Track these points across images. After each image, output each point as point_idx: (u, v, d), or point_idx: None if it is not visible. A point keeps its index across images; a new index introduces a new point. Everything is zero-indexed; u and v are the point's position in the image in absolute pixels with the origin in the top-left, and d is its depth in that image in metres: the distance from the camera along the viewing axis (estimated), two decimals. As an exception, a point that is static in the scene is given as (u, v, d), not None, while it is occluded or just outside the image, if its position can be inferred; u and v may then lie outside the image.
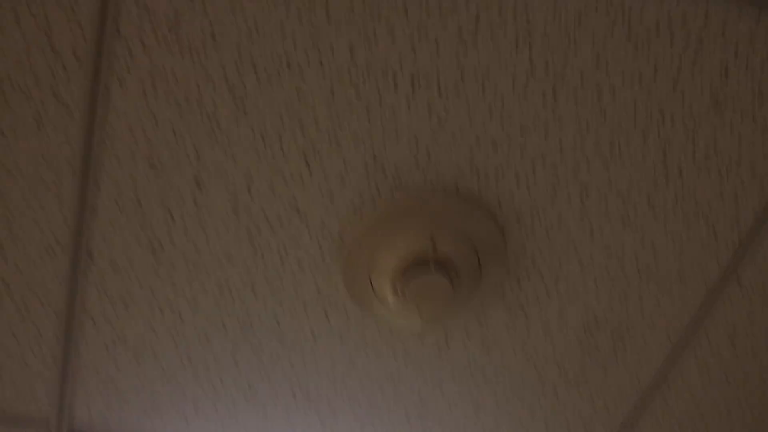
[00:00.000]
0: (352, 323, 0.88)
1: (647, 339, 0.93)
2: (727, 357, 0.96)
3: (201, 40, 0.67)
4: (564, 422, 1.02)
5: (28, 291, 0.84)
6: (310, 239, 0.80)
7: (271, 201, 0.77)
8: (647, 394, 1.00)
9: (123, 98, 0.71)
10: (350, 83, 0.70)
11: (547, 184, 0.78)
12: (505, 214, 0.79)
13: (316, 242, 0.81)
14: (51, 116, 0.72)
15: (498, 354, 0.93)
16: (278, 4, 0.66)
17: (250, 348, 0.90)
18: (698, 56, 0.70)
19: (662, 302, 0.89)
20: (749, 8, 0.66)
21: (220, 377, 0.93)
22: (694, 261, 0.85)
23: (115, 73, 0.69)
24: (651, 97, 0.72)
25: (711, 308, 0.90)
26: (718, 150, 0.76)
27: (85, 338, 0.88)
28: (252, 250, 0.81)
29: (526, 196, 0.78)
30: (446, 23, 0.67)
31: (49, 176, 0.76)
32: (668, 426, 1.05)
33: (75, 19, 0.66)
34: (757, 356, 0.96)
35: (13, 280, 0.83)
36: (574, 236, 0.82)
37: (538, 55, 0.69)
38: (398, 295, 0.80)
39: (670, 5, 0.66)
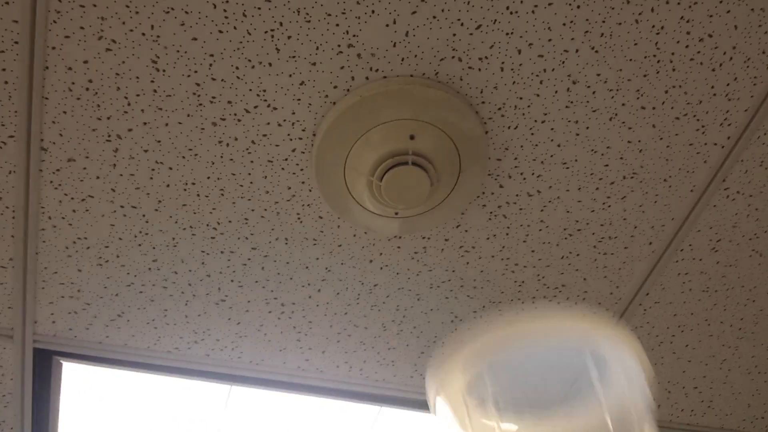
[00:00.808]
0: (326, 226, 0.84)
1: (629, 245, 0.90)
2: (708, 265, 0.94)
3: None
4: (542, 333, 1.01)
5: (-21, 186, 0.79)
6: (279, 131, 0.76)
7: (235, 86, 0.72)
8: (626, 305, 0.98)
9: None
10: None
11: (532, 74, 0.73)
12: (487, 106, 0.75)
13: (286, 134, 0.76)
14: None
15: (476, 262, 0.90)
16: None
17: (219, 252, 0.86)
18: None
19: (646, 207, 0.86)
20: None
21: (188, 282, 0.89)
22: (681, 161, 0.82)
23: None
24: (646, -25, 0.67)
25: (695, 213, 0.88)
26: (714, 36, 0.71)
27: (44, 239, 0.84)
28: (217, 143, 0.76)
29: (511, 86, 0.74)
30: None
31: (-6, 57, 0.70)
32: (647, 339, 1.04)
33: None
34: (738, 265, 0.94)
35: (-39, 175, 0.78)
36: (558, 133, 0.78)
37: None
38: (374, 193, 0.76)
39: None
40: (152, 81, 0.71)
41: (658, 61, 0.73)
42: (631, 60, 0.72)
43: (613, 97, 0.75)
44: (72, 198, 0.80)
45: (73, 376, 1.00)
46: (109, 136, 0.75)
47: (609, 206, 0.86)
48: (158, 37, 0.68)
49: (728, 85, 0.75)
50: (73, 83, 0.71)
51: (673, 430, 1.19)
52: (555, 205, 0.85)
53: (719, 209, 0.87)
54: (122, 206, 0.81)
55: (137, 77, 0.71)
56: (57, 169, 0.78)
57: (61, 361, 0.97)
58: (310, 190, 0.80)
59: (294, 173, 0.79)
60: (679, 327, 1.02)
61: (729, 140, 0.80)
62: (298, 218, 0.83)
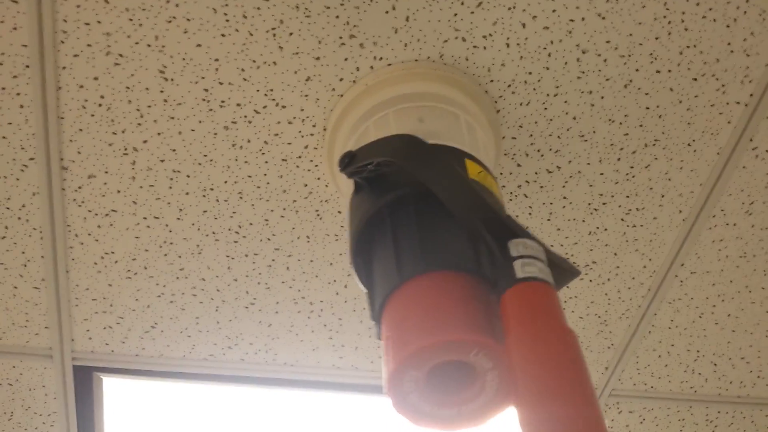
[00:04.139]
0: (346, 220, 0.84)
1: (657, 216, 0.88)
2: (743, 229, 0.91)
3: None
4: (577, 314, 0.99)
5: (6, 210, 0.81)
6: (290, 129, 0.76)
7: (243, 89, 0.72)
8: (662, 277, 0.96)
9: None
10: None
11: (539, 47, 0.72)
12: (497, 84, 0.74)
13: (297, 132, 0.76)
14: (-3, 12, 0.67)
15: (502, 244, 0.89)
16: None
17: (243, 255, 0.87)
18: None
19: (672, 175, 0.84)
20: None
21: (216, 288, 0.90)
22: (704, 123, 0.79)
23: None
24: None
25: (724, 176, 0.85)
26: (724, -9, 0.69)
27: (73, 256, 0.85)
28: (231, 146, 0.77)
29: (518, 61, 0.72)
30: None
31: (7, 82, 0.71)
32: (687, 311, 1.01)
33: None
34: (776, 227, 0.91)
35: (-12, 200, 0.80)
36: (572, 106, 0.76)
37: None
38: (390, 183, 0.75)
39: None
40: (162, 91, 0.72)
41: (669, 22, 0.71)
42: (640, 23, 0.71)
43: (625, 63, 0.74)
44: (96, 214, 0.82)
45: (113, 391, 1.02)
46: (126, 149, 0.76)
47: (633, 176, 0.84)
48: (163, 47, 0.69)
49: (745, 40, 0.73)
50: (86, 101, 0.73)
51: (723, 404, 1.15)
52: (576, 180, 0.83)
53: (749, 170, 0.85)
54: (145, 218, 0.82)
55: (147, 88, 0.72)
56: (79, 186, 0.79)
57: (101, 377, 0.99)
58: (327, 186, 0.80)
59: (309, 170, 0.79)
60: (719, 296, 1.00)
61: (752, 97, 0.78)
62: (318, 215, 0.83)
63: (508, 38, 0.71)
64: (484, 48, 0.71)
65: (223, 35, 0.69)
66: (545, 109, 0.76)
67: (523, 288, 0.46)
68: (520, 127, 0.77)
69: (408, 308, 0.49)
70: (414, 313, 0.48)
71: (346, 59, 0.71)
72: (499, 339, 0.46)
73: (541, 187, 0.83)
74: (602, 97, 0.76)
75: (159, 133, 0.75)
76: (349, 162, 0.60)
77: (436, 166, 0.55)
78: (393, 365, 0.46)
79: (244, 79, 0.72)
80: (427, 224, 0.54)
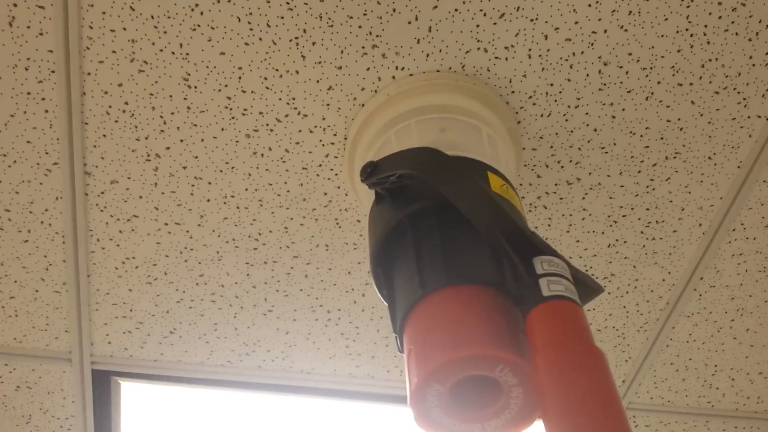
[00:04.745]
0: (365, 229, 0.85)
1: (677, 229, 0.88)
2: (763, 244, 0.91)
3: None
4: (595, 327, 0.99)
5: (29, 214, 0.82)
6: (311, 138, 0.76)
7: (265, 97, 0.73)
8: (681, 291, 0.95)
9: (99, -7, 0.66)
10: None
11: (561, 59, 0.72)
12: (518, 95, 0.74)
13: (318, 140, 0.76)
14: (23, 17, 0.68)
15: (520, 255, 0.88)
16: None
17: (263, 263, 0.87)
18: None
19: (692, 188, 0.84)
20: None
21: (235, 294, 0.91)
22: (725, 136, 0.79)
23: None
24: (670, -53, 0.66)
25: (744, 190, 0.85)
26: (747, 5, 0.69)
27: (94, 261, 0.86)
28: (252, 154, 0.77)
29: (540, 73, 0.73)
30: None
31: (32, 87, 0.72)
32: (705, 325, 1.00)
33: None
34: (797, 242, 0.91)
35: (12, 204, 0.81)
36: (593, 118, 0.76)
37: None
38: (409, 193, 0.75)
39: None
40: (185, 98, 0.73)
41: (691, 35, 0.71)
42: (662, 36, 0.71)
43: (647, 75, 0.73)
44: (118, 219, 0.82)
45: (131, 395, 1.03)
46: (149, 155, 0.77)
47: (653, 189, 0.83)
48: (187, 54, 0.70)
49: (767, 54, 0.72)
50: (110, 107, 0.74)
51: (739, 419, 1.14)
52: (597, 192, 0.83)
53: (770, 184, 0.84)
54: (166, 224, 0.83)
55: (170, 96, 0.73)
56: (101, 192, 0.80)
57: (119, 381, 1.00)
58: (346, 194, 0.81)
59: (329, 179, 0.79)
60: (738, 311, 0.99)
61: (774, 111, 0.77)
62: (337, 223, 0.83)
63: (530, 49, 0.71)
64: (506, 59, 0.71)
65: (246, 44, 0.70)
66: (566, 120, 0.76)
67: (551, 307, 0.46)
68: (541, 138, 0.78)
69: (432, 321, 0.48)
70: (438, 327, 0.48)
71: (368, 69, 0.71)
72: (525, 355, 0.46)
73: (561, 198, 0.83)
74: (623, 110, 0.76)
75: (182, 140, 0.76)
76: (371, 172, 0.60)
77: (459, 180, 0.55)
78: (417, 379, 0.46)
79: (267, 88, 0.73)
80: (450, 237, 0.54)
